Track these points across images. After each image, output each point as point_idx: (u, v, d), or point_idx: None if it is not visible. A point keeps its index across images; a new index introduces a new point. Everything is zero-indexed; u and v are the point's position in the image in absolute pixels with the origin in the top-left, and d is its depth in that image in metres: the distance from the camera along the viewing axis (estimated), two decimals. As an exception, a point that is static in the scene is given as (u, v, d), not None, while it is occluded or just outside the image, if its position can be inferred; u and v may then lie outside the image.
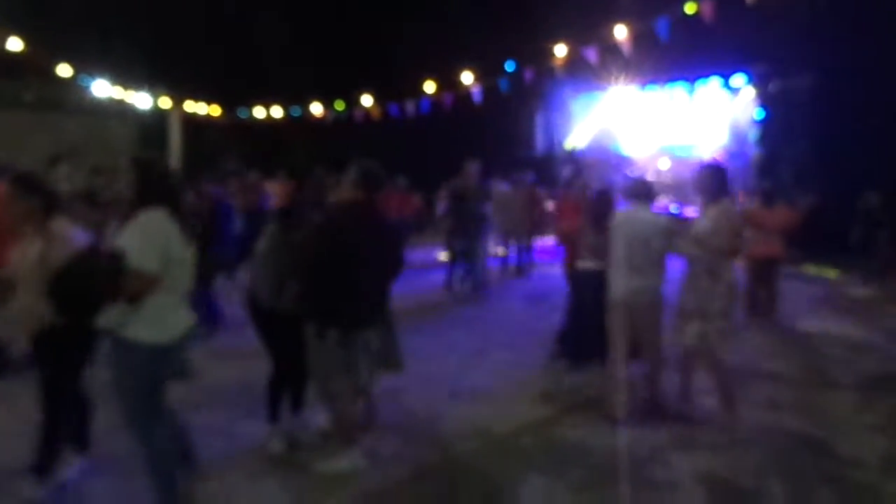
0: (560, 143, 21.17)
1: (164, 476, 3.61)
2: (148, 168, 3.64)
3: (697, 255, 5.09)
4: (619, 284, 5.31)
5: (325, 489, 4.15)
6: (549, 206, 17.59)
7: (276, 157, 18.81)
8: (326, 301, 4.17)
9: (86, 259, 3.42)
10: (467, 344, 7.58)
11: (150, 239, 3.37)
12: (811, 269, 12.13)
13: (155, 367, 3.49)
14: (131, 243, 3.34)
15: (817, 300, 10.16)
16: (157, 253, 3.36)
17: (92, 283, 3.29)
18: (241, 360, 6.32)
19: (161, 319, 3.45)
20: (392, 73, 18.48)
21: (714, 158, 17.81)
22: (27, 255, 3.81)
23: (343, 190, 4.39)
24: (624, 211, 5.53)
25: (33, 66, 17.50)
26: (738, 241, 5.21)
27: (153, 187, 3.56)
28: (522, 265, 12.50)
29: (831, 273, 12.14)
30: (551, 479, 4.33)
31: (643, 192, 5.50)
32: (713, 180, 5.20)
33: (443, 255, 11.15)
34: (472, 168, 10.12)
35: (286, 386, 4.79)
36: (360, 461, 4.41)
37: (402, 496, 4.12)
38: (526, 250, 12.61)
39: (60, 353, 3.87)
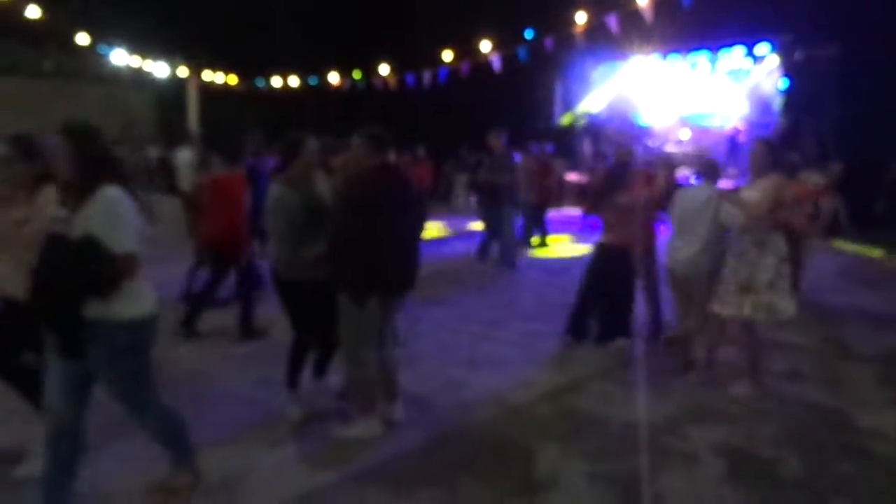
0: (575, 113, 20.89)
1: (179, 436, 3.64)
2: (86, 138, 3.21)
3: (746, 227, 5.07)
4: (679, 254, 5.65)
5: (342, 455, 4.18)
6: (570, 176, 17.49)
7: (293, 126, 18.77)
8: (365, 269, 4.13)
9: (57, 245, 3.11)
10: (486, 314, 7.58)
11: (124, 219, 3.13)
12: (838, 244, 11.94)
13: (149, 340, 3.37)
14: (107, 227, 3.07)
15: (841, 273, 10.03)
16: (134, 232, 3.16)
17: (71, 273, 3.04)
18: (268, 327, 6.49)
19: (138, 292, 3.27)
20: (410, 42, 18.31)
21: (736, 129, 17.61)
22: (12, 219, 3.71)
23: (355, 157, 4.35)
24: (689, 187, 5.89)
25: (52, 35, 17.53)
26: (786, 214, 5.22)
27: (97, 161, 3.18)
28: (529, 237, 12.32)
29: (854, 248, 11.96)
30: (567, 448, 4.33)
31: (710, 170, 5.77)
32: (765, 155, 5.18)
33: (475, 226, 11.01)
34: (496, 138, 9.98)
35: (309, 352, 4.79)
36: (377, 428, 4.42)
37: (419, 462, 4.14)
38: (535, 222, 12.39)
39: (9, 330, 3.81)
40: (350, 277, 4.18)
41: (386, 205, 4.14)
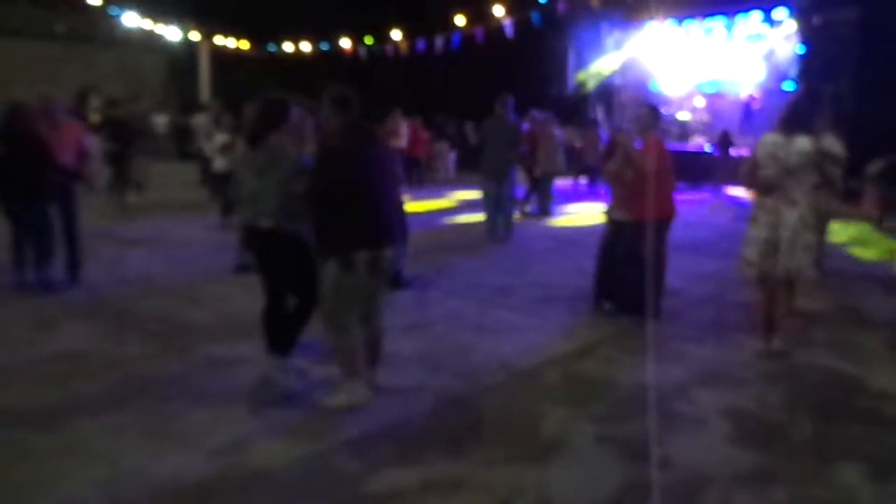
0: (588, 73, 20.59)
1: None
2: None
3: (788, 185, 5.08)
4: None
5: (350, 419, 4.20)
6: (578, 143, 17.31)
7: (305, 91, 18.67)
8: (342, 226, 4.13)
9: None
10: (495, 281, 7.58)
11: None
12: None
13: None
14: None
15: (852, 240, 9.95)
16: None
17: None
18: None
19: None
20: (423, 7, 18.10)
21: (751, 96, 17.37)
22: None
23: (325, 118, 4.35)
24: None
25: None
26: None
27: None
28: (541, 206, 12.27)
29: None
30: (574, 412, 4.33)
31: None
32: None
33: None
34: (500, 107, 9.76)
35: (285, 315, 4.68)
36: (363, 394, 4.39)
37: (426, 426, 4.15)
38: (539, 190, 12.35)
39: None
40: (328, 235, 4.20)
41: (356, 163, 4.16)
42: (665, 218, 6.08)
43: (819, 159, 5.13)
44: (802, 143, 5.07)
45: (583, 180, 17.06)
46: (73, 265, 7.04)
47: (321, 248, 4.26)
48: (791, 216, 5.11)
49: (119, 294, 6.77)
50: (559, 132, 13.14)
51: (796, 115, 5.25)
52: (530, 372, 5.02)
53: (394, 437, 4.01)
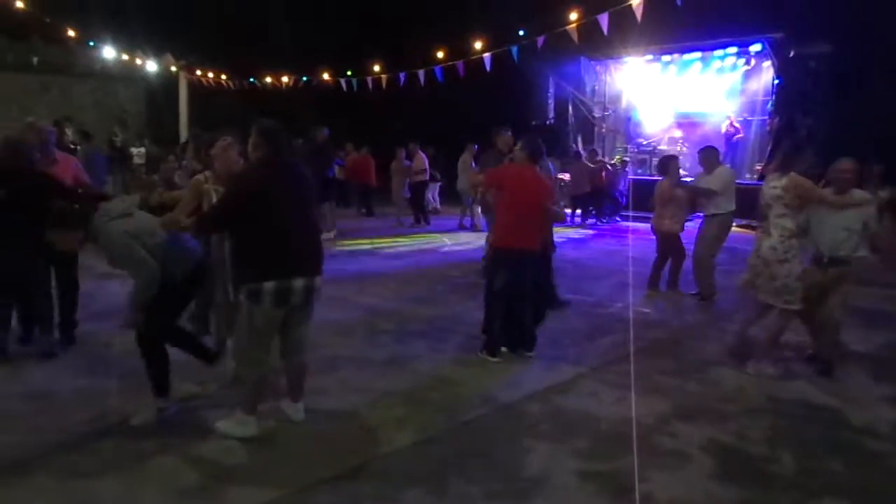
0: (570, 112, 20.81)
1: None
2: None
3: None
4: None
5: (330, 453, 4.12)
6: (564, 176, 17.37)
7: (285, 123, 18.68)
8: (255, 258, 4.08)
9: None
10: (477, 314, 7.51)
11: None
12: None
13: None
14: None
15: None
16: None
17: None
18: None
19: None
20: (403, 42, 18.25)
21: (732, 126, 17.62)
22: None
23: (253, 150, 4.31)
24: None
25: (39, 29, 17.36)
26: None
27: None
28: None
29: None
30: (557, 447, 4.28)
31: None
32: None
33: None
34: (501, 141, 9.39)
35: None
36: (254, 430, 4.28)
37: (407, 461, 4.08)
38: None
39: None
40: (238, 265, 4.16)
41: (274, 195, 4.08)
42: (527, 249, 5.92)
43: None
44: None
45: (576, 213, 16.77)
46: (71, 322, 6.07)
47: (234, 279, 4.22)
48: (764, 244, 5.66)
49: (97, 329, 6.56)
50: (551, 165, 13.17)
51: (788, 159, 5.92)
52: (512, 405, 4.96)
53: (374, 471, 3.93)
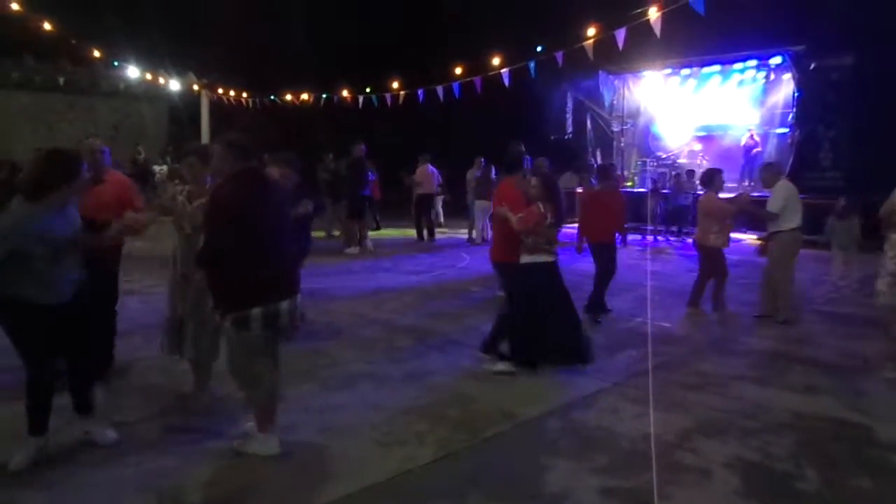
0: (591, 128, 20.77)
1: None
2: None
3: None
4: None
5: (350, 470, 4.11)
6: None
7: (305, 140, 18.87)
8: (240, 283, 3.96)
9: None
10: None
11: None
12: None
13: None
14: None
15: (858, 284, 9.89)
16: None
17: None
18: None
19: None
20: (422, 58, 18.37)
21: (751, 140, 17.51)
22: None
23: (217, 166, 4.24)
24: None
25: (66, 50, 17.67)
26: None
27: None
28: None
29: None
30: (577, 463, 4.24)
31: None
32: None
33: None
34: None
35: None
36: (276, 447, 4.25)
37: (427, 478, 4.07)
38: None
39: None
40: (221, 292, 4.05)
41: (253, 216, 3.98)
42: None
43: None
44: None
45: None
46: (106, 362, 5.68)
47: (217, 306, 4.11)
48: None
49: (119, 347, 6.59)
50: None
51: None
52: (532, 421, 4.93)
53: (395, 488, 3.92)
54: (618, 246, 8.18)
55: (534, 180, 6.07)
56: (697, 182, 15.14)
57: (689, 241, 14.72)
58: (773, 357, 6.57)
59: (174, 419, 4.82)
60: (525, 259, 5.93)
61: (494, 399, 5.33)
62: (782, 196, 7.67)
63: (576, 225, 8.39)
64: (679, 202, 15.56)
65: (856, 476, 4.13)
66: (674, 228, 15.96)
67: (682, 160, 19.02)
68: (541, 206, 5.81)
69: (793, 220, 7.66)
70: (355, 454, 4.34)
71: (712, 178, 8.31)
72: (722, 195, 8.47)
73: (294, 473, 4.09)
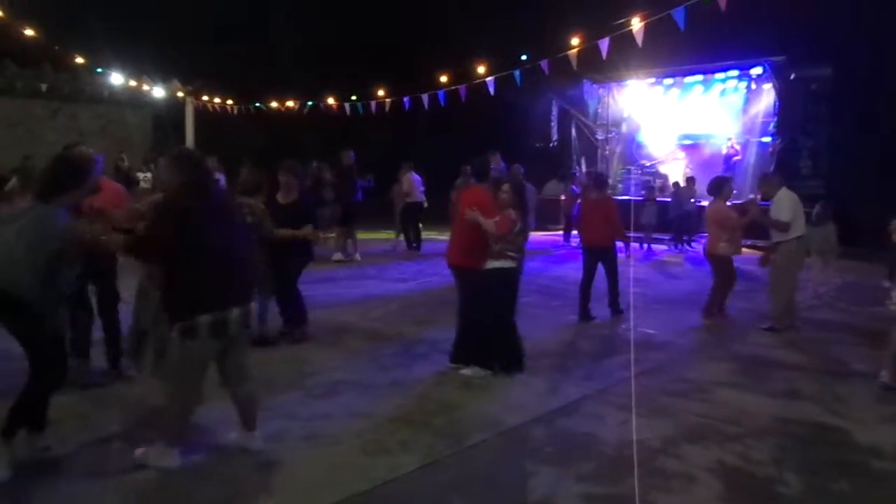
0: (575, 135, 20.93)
1: None
2: None
3: None
4: None
5: (336, 479, 4.11)
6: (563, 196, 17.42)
7: (291, 147, 18.83)
8: (186, 290, 3.97)
9: None
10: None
11: None
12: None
13: None
14: None
15: (838, 291, 10.01)
16: None
17: None
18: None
19: None
20: (408, 66, 18.43)
21: (732, 149, 17.69)
22: None
23: (165, 178, 4.25)
24: None
25: (48, 56, 17.55)
26: None
27: None
28: None
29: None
30: (562, 471, 4.27)
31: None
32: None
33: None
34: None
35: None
36: (174, 461, 4.14)
37: (412, 486, 4.07)
38: None
39: None
40: (168, 300, 4.04)
41: (198, 225, 3.96)
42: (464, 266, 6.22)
43: None
44: None
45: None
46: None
47: (166, 314, 4.10)
48: None
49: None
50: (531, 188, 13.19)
51: None
52: (517, 429, 4.95)
53: (379, 497, 3.92)
54: (620, 256, 8.42)
55: (505, 186, 6.15)
56: (697, 189, 15.24)
57: (689, 249, 14.81)
58: (755, 363, 6.63)
59: (150, 432, 4.73)
60: (493, 264, 5.98)
61: (479, 407, 5.34)
62: (790, 205, 7.63)
63: (560, 232, 8.48)
64: (681, 210, 15.29)
65: (836, 480, 4.19)
66: (674, 237, 15.62)
67: (664, 169, 19.21)
68: (512, 212, 5.88)
69: (798, 229, 7.66)
70: (340, 462, 4.34)
71: (721, 187, 8.25)
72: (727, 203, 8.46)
73: (279, 482, 4.08)
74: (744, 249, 8.41)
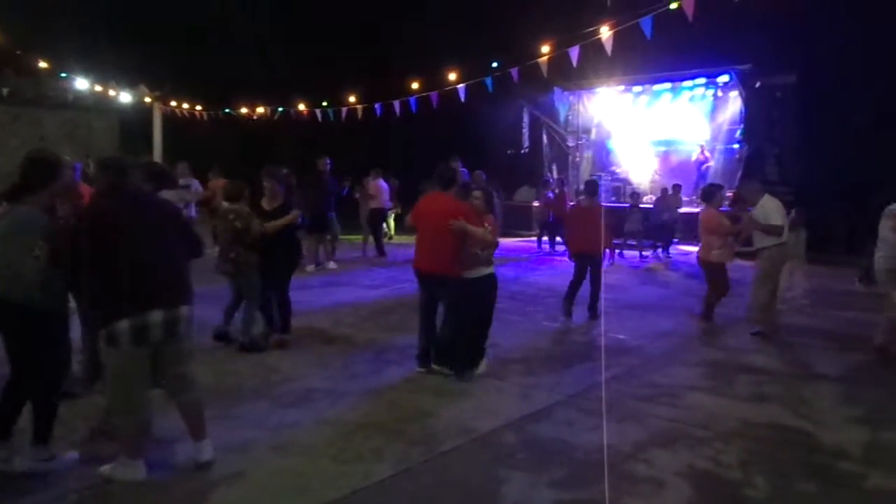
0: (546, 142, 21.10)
1: None
2: None
3: None
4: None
5: (305, 486, 4.07)
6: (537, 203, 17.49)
7: (261, 153, 18.68)
8: (105, 295, 3.92)
9: None
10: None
11: None
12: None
13: None
14: None
15: (806, 295, 10.15)
16: None
17: None
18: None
19: None
20: (379, 72, 18.41)
21: (703, 155, 17.93)
22: None
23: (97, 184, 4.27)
24: None
25: (10, 61, 17.22)
26: None
27: None
28: None
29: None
30: (533, 476, 4.27)
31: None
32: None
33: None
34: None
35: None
36: (141, 473, 4.08)
37: (386, 493, 4.05)
38: None
39: None
40: (98, 309, 3.99)
41: (114, 228, 3.93)
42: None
43: None
44: None
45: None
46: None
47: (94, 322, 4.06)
48: None
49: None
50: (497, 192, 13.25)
51: None
52: (489, 435, 4.95)
53: (349, 507, 3.90)
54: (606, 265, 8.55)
55: (477, 193, 6.25)
56: (683, 197, 15.26)
57: (666, 255, 14.81)
58: (724, 367, 6.71)
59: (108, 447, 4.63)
60: (484, 271, 6.10)
61: (451, 413, 5.34)
62: (777, 210, 7.69)
63: (533, 238, 8.57)
64: (663, 218, 14.91)
65: (802, 482, 4.25)
66: (655, 243, 15.23)
67: (634, 176, 19.42)
68: (492, 217, 5.94)
69: (784, 234, 7.74)
70: (312, 471, 4.30)
71: (713, 194, 8.33)
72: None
73: (247, 494, 4.03)
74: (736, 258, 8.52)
